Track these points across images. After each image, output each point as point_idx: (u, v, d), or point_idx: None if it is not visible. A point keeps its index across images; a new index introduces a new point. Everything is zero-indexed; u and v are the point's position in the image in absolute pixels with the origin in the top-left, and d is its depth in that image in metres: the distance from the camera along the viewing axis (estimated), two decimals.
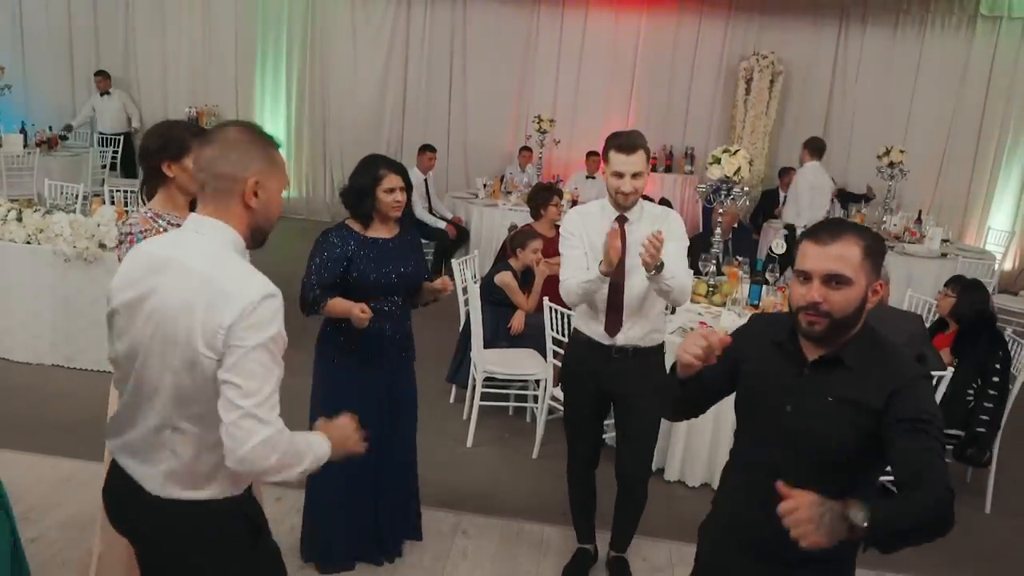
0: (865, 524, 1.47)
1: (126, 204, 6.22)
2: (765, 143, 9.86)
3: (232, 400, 1.60)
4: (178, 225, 2.23)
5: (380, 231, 3.12)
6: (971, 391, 4.25)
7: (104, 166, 9.48)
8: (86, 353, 5.07)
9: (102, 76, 10.00)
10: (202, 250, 1.70)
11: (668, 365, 2.13)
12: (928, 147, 9.80)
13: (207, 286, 1.63)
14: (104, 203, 5.71)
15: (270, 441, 1.62)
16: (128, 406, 1.78)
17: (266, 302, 1.63)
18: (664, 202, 8.10)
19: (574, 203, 8.14)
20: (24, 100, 10.43)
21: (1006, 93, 9.65)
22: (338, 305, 2.98)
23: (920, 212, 8.68)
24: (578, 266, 3.09)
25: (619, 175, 2.98)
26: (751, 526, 1.92)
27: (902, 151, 8.24)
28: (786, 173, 9.20)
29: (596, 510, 3.44)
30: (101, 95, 9.99)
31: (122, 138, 9.90)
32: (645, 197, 5.93)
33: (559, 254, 5.38)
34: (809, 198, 7.53)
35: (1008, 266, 9.65)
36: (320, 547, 3.25)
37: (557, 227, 5.62)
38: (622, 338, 3.09)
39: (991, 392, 4.19)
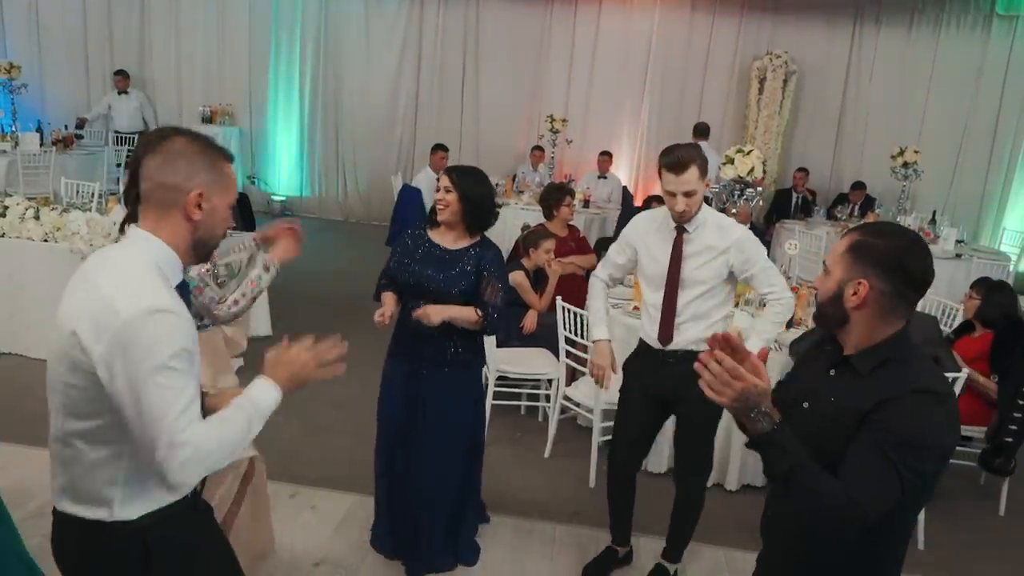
0: (758, 435, 1.63)
1: None
2: (778, 143, 9.83)
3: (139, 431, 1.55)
4: None
5: (442, 237, 3.13)
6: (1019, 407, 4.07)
7: (119, 164, 9.54)
8: None
9: (121, 75, 10.08)
10: (118, 265, 1.62)
11: None
12: (943, 147, 9.74)
13: (101, 303, 1.54)
14: (119, 202, 5.75)
15: (192, 460, 1.54)
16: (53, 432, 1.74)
17: (154, 318, 1.53)
18: None
19: (586, 203, 8.16)
20: (40, 99, 10.53)
21: (1022, 93, 9.59)
22: (384, 298, 3.16)
23: (934, 213, 8.64)
24: (613, 266, 3.33)
25: (671, 194, 2.97)
26: (772, 519, 1.96)
27: (916, 151, 8.20)
28: (800, 172, 9.18)
29: (632, 515, 3.45)
30: (119, 94, 10.06)
31: (136, 137, 9.96)
32: (659, 200, 5.97)
33: (572, 253, 5.46)
34: None
35: (1023, 267, 9.58)
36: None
37: (570, 227, 5.64)
38: (674, 343, 3.13)
39: (1020, 402, 4.12)
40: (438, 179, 3.11)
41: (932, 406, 1.62)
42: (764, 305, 3.24)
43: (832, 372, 1.80)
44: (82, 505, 1.68)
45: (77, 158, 8.88)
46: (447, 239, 3.11)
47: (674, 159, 2.93)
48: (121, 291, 1.54)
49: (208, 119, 10.47)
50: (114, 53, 10.80)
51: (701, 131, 8.67)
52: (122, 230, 1.72)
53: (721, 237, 3.03)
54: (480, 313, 3.00)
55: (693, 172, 2.92)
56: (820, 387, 1.80)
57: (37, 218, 5.11)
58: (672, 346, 3.12)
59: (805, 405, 1.82)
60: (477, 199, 3.06)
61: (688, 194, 2.93)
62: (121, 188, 7.00)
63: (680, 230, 3.07)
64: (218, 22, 10.72)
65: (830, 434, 1.70)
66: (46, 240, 5.07)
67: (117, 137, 9.94)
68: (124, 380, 1.52)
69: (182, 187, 1.64)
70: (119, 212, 5.04)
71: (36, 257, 5.05)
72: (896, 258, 1.66)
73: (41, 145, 8.61)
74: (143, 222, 1.66)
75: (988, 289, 4.50)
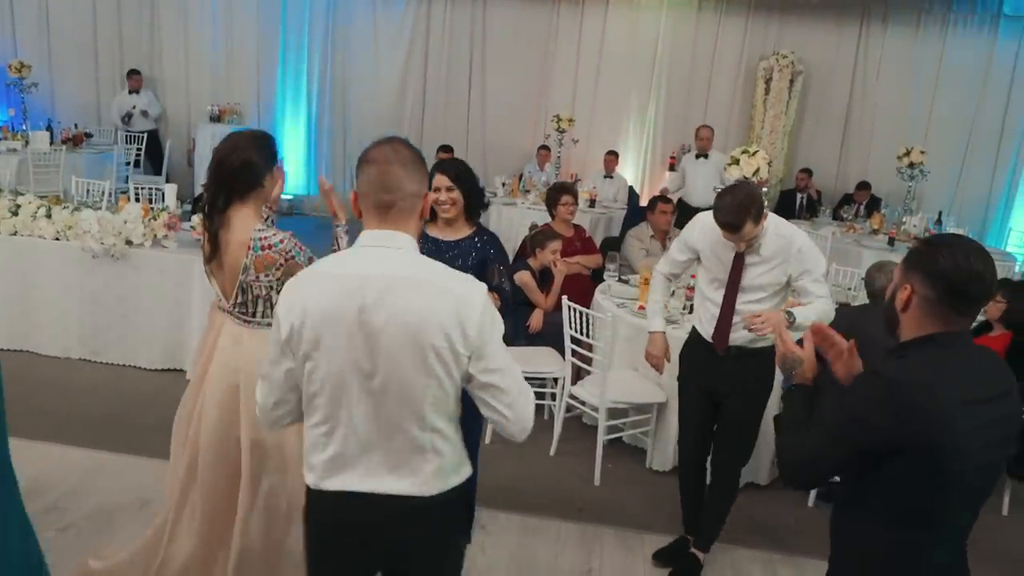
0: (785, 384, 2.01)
1: (151, 201, 6.32)
2: (784, 143, 9.84)
3: (500, 390, 1.80)
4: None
5: (441, 231, 3.17)
6: None
7: (128, 163, 9.61)
8: (112, 348, 5.17)
9: (135, 75, 10.13)
10: (432, 266, 1.81)
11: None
12: (949, 148, 9.74)
13: (449, 297, 1.74)
14: (130, 200, 5.81)
15: (526, 394, 1.86)
16: (363, 431, 1.79)
17: (486, 296, 1.81)
18: (682, 203, 8.10)
19: (592, 202, 8.19)
20: (50, 98, 10.60)
21: None
22: None
23: (940, 213, 8.64)
24: (673, 263, 3.46)
25: (731, 240, 3.05)
26: None
27: (922, 152, 8.21)
28: (804, 172, 9.19)
29: (701, 506, 3.50)
30: (130, 93, 10.12)
31: (146, 135, 10.03)
32: (664, 199, 6.00)
33: (577, 253, 5.49)
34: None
35: None
36: None
37: (576, 227, 5.68)
38: (736, 342, 3.21)
39: None
40: (432, 179, 3.09)
41: (879, 387, 1.71)
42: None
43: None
44: (453, 475, 1.87)
45: (87, 157, 8.94)
46: (447, 232, 3.16)
47: (729, 219, 2.95)
48: (459, 281, 1.79)
49: (216, 118, 10.52)
50: (123, 52, 10.85)
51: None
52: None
53: (783, 247, 3.08)
54: (498, 296, 3.03)
55: (748, 227, 2.96)
56: None
57: (49, 217, 5.16)
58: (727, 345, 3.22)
59: None
60: (478, 190, 3.14)
61: (748, 241, 3.03)
62: (132, 186, 7.06)
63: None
64: (226, 22, 10.76)
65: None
66: (57, 239, 5.12)
67: (127, 136, 10.01)
68: (501, 352, 1.82)
69: (421, 193, 1.85)
70: (129, 211, 5.09)
71: (48, 255, 5.11)
72: (936, 266, 1.72)
73: (51, 144, 8.67)
74: (395, 224, 1.80)
75: (1014, 291, 4.40)
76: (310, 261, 2.62)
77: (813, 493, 4.19)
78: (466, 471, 1.91)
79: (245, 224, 2.59)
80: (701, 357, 3.31)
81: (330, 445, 1.81)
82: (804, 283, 3.12)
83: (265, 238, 2.58)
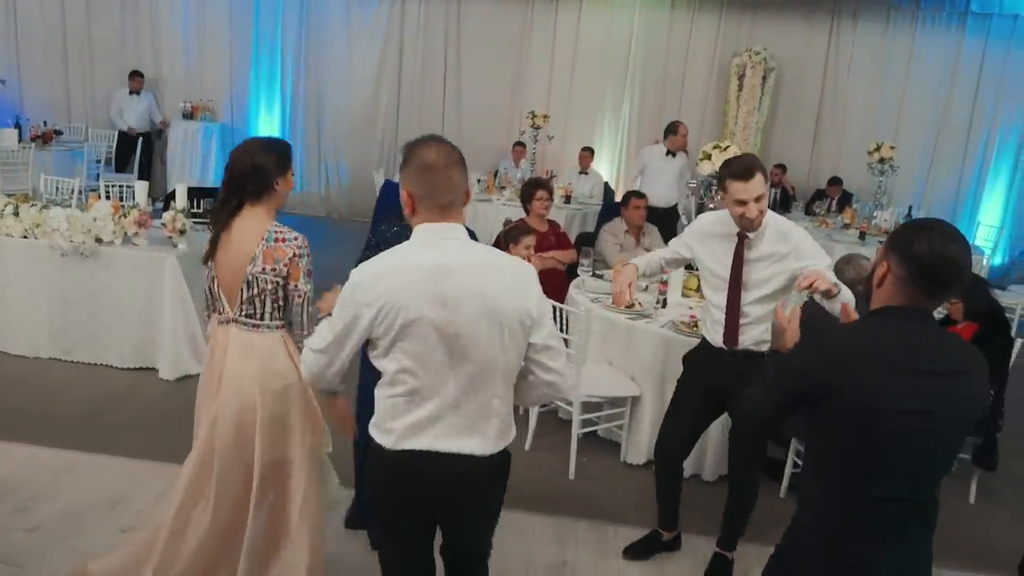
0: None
1: (122, 199, 6.24)
2: (758, 139, 9.93)
3: (556, 351, 2.12)
4: None
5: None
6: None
7: (99, 161, 9.49)
8: (83, 346, 5.11)
9: (136, 76, 10.02)
10: (475, 249, 2.09)
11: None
12: (919, 143, 9.90)
13: (510, 276, 2.04)
14: (100, 198, 5.74)
15: (565, 354, 2.20)
16: (445, 400, 2.02)
17: (535, 273, 2.11)
18: None
19: (567, 198, 8.21)
20: (18, 95, 10.45)
21: (996, 90, 9.75)
22: None
23: (910, 208, 8.76)
24: (672, 252, 3.45)
25: (742, 203, 3.00)
26: None
27: (892, 147, 8.32)
28: (778, 168, 9.27)
29: (679, 501, 3.52)
30: (130, 93, 9.99)
31: (141, 138, 9.91)
32: (638, 194, 6.04)
33: (552, 248, 5.50)
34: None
35: (997, 261, 9.74)
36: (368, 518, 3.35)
37: (550, 222, 5.70)
38: (743, 344, 3.20)
39: (1004, 397, 4.19)
40: None
41: (813, 339, 1.97)
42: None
43: None
44: (508, 434, 2.15)
45: (56, 155, 8.83)
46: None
47: (741, 167, 2.98)
48: (513, 263, 2.09)
49: (189, 115, 10.43)
50: (93, 49, 10.73)
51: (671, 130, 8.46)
52: None
53: (782, 242, 3.08)
54: None
55: (759, 177, 2.98)
56: None
57: (16, 214, 5.09)
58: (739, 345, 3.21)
59: None
60: None
61: (759, 199, 2.99)
62: (103, 184, 6.97)
63: (742, 236, 3.12)
64: (198, 18, 10.67)
65: None
66: (25, 237, 5.05)
67: (121, 136, 9.88)
68: (551, 320, 2.14)
69: (466, 188, 2.10)
70: (99, 208, 5.03)
71: (15, 254, 5.04)
72: (911, 248, 1.79)
73: (20, 141, 8.54)
74: (452, 217, 2.06)
75: (966, 288, 4.49)
76: (308, 274, 2.66)
77: (784, 484, 4.24)
78: (513, 432, 2.17)
79: (258, 222, 2.62)
80: (707, 360, 3.32)
81: (410, 413, 2.04)
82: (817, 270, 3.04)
83: (281, 231, 2.62)
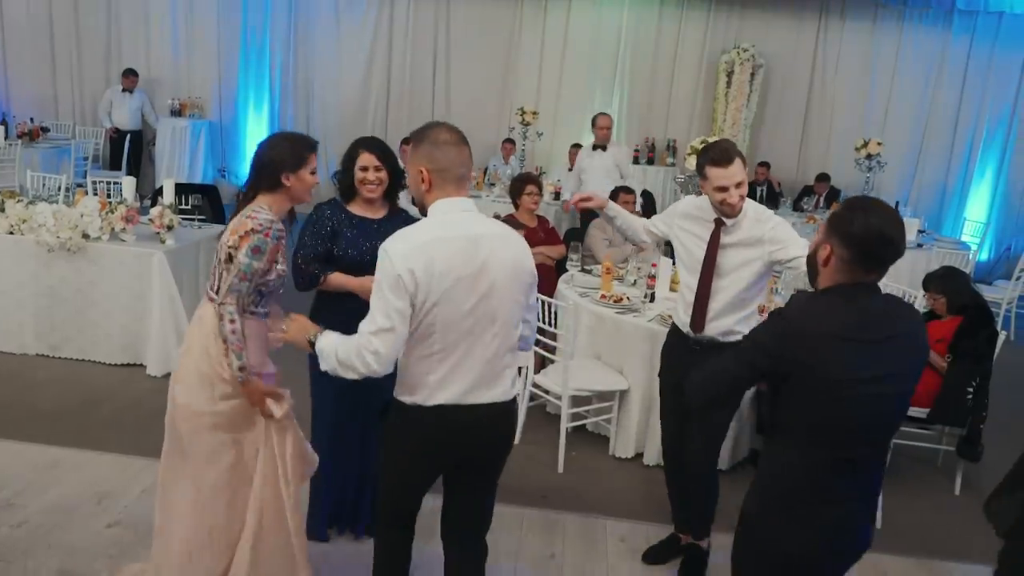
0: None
1: (109, 196, 6.21)
2: (746, 135, 9.96)
3: (535, 309, 2.51)
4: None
5: (364, 210, 3.13)
6: (970, 389, 4.20)
7: (86, 158, 9.44)
8: (70, 343, 5.09)
9: (130, 75, 9.96)
10: (487, 221, 2.36)
11: None
12: (906, 139, 9.96)
13: (520, 243, 2.34)
14: (87, 194, 5.71)
15: None
16: (474, 356, 2.24)
17: None
18: (646, 194, 8.19)
19: (556, 195, 8.22)
20: (4, 92, 10.39)
21: (982, 86, 9.82)
22: (338, 279, 3.04)
23: (897, 203, 8.80)
24: (653, 225, 3.50)
25: (723, 189, 2.99)
26: None
27: (879, 143, 8.37)
28: (763, 166, 9.28)
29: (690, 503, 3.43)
30: (123, 91, 9.93)
31: (129, 135, 9.86)
32: (626, 190, 6.04)
33: (542, 243, 5.52)
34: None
35: (984, 257, 9.81)
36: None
37: (539, 218, 5.70)
38: (705, 330, 3.19)
39: (972, 385, 4.20)
40: (356, 154, 3.07)
41: (774, 319, 2.05)
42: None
43: None
44: (517, 384, 2.44)
45: (43, 151, 8.78)
46: (369, 211, 3.12)
47: (719, 152, 2.98)
48: (513, 232, 2.35)
49: (178, 112, 10.39)
50: (80, 46, 10.67)
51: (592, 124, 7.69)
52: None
53: (758, 227, 3.07)
54: None
55: (738, 163, 2.98)
56: None
57: (2, 210, 5.06)
58: (702, 333, 3.19)
59: None
60: (399, 172, 3.12)
61: (739, 185, 2.99)
62: (90, 181, 6.94)
63: (719, 222, 3.11)
64: (186, 14, 10.63)
65: None
66: (11, 232, 5.02)
67: (114, 134, 9.82)
68: (532, 288, 2.42)
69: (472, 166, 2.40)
70: (86, 204, 5.01)
71: (2, 250, 5.01)
72: (851, 230, 1.93)
73: (6, 138, 8.49)
74: (465, 191, 2.31)
75: (944, 281, 4.48)
76: (255, 251, 2.53)
77: None
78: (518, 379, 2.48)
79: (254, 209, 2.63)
80: (676, 351, 3.32)
81: (440, 369, 2.22)
82: (792, 253, 3.01)
83: (257, 212, 2.59)
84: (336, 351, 2.22)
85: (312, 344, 2.31)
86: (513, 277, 2.27)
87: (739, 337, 3.12)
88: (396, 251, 2.15)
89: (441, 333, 2.20)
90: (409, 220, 3.10)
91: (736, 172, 2.98)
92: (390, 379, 2.32)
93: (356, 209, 3.13)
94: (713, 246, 3.14)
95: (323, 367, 2.28)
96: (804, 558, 2.04)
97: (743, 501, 2.17)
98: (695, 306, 3.20)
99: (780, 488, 2.07)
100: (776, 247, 3.05)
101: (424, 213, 2.32)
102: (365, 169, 3.05)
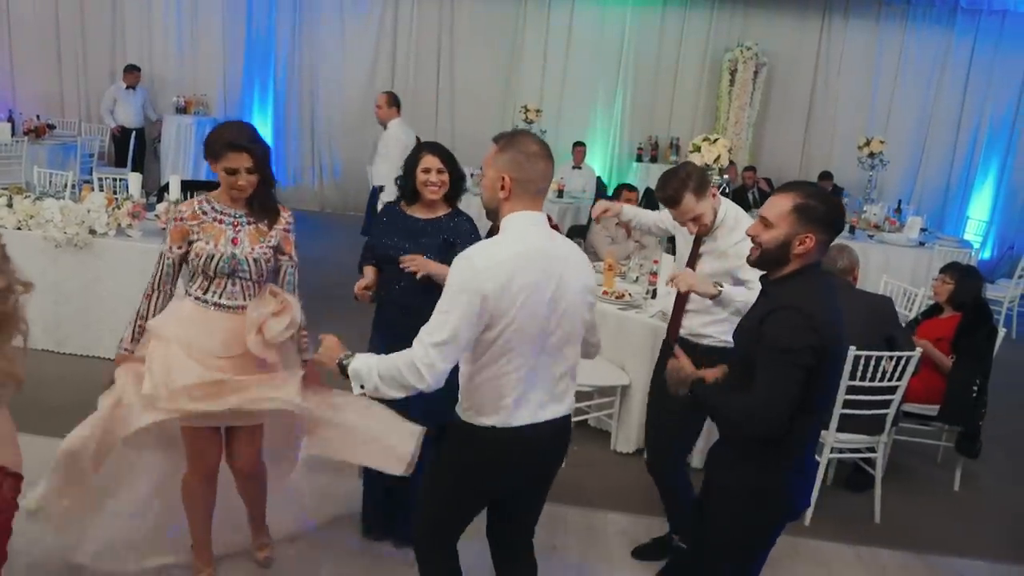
0: (693, 390, 2.34)
1: (115, 192, 6.26)
2: (749, 134, 9.98)
3: (596, 325, 2.44)
4: (227, 213, 2.74)
5: (419, 211, 3.17)
6: (975, 387, 4.23)
7: (92, 155, 9.48)
8: (76, 338, 5.13)
9: (132, 70, 9.97)
10: (557, 236, 2.34)
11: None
12: (909, 138, 9.98)
13: (584, 260, 2.35)
14: (93, 190, 5.76)
15: None
16: (547, 374, 2.24)
17: None
18: (649, 193, 8.21)
19: (560, 193, 8.25)
20: (11, 89, 10.44)
21: (985, 85, 9.83)
22: (365, 271, 3.23)
23: (900, 202, 8.83)
24: (656, 218, 3.61)
25: (680, 222, 3.10)
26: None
27: (882, 141, 8.38)
28: (749, 171, 9.20)
29: (681, 504, 3.38)
30: (126, 88, 9.96)
31: (135, 132, 9.90)
32: (629, 187, 6.08)
33: None
34: (399, 155, 7.29)
35: (986, 255, 9.82)
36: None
37: None
38: (683, 331, 3.22)
39: (976, 384, 4.23)
40: (419, 157, 3.11)
41: (796, 317, 2.10)
42: None
43: (760, 298, 2.35)
44: (574, 402, 2.42)
45: (49, 148, 8.82)
46: (420, 211, 3.17)
47: (664, 198, 3.02)
48: (577, 248, 2.38)
49: (183, 109, 10.43)
50: (86, 43, 10.71)
51: (399, 103, 7.69)
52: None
53: (729, 238, 3.07)
54: None
55: (688, 201, 2.98)
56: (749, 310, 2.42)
57: (10, 206, 5.11)
58: (681, 332, 3.22)
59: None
60: (461, 174, 3.17)
61: (695, 219, 3.03)
62: (96, 177, 6.99)
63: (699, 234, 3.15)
64: (191, 12, 10.67)
65: (739, 340, 2.33)
66: (19, 228, 5.07)
67: (118, 132, 9.86)
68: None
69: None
70: (93, 200, 5.05)
71: (9, 245, 5.00)
72: (830, 215, 2.18)
73: (12, 135, 8.54)
74: (541, 206, 2.27)
75: (962, 273, 4.51)
76: (170, 247, 2.77)
77: None
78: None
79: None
80: (662, 353, 3.37)
81: (518, 389, 2.19)
82: (746, 276, 2.94)
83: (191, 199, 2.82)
84: (376, 370, 2.14)
85: (343, 368, 2.22)
86: (582, 294, 2.27)
87: (708, 341, 3.16)
88: (478, 266, 2.09)
89: (518, 352, 2.15)
90: (460, 220, 3.16)
91: (685, 211, 3.01)
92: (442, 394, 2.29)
93: (414, 211, 3.18)
94: (694, 252, 3.18)
95: (356, 391, 2.21)
96: (775, 492, 2.28)
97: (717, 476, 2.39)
98: (673, 311, 3.26)
99: (780, 455, 2.24)
100: (738, 263, 2.93)
101: (493, 218, 2.30)
102: (428, 171, 3.08)
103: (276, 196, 2.89)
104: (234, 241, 2.73)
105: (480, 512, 2.44)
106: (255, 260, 2.75)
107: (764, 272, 2.28)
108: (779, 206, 2.20)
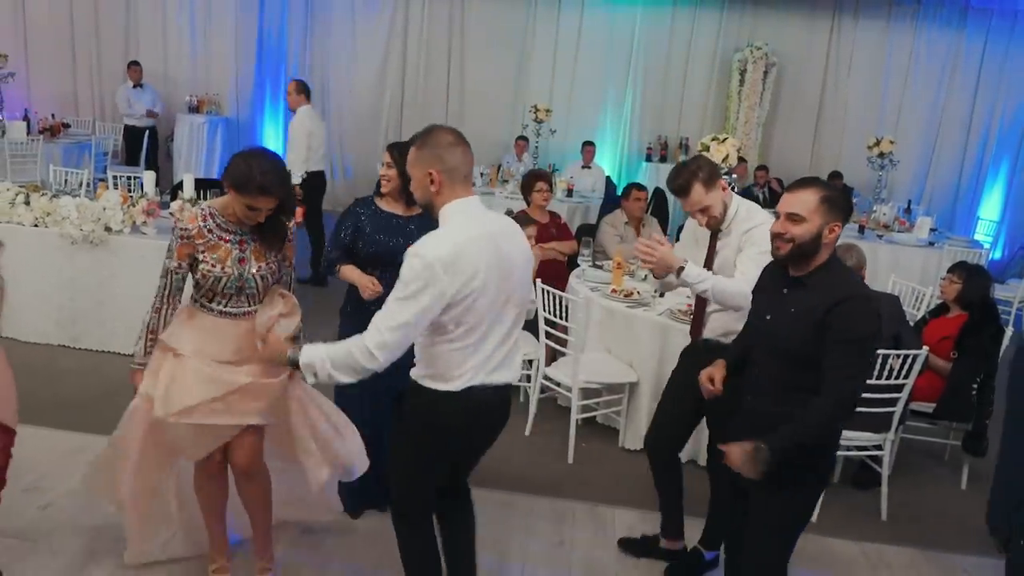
0: (768, 455, 2.25)
1: (130, 190, 6.33)
2: (759, 134, 9.99)
3: (530, 288, 2.55)
4: (232, 230, 2.72)
5: (393, 207, 3.31)
6: (975, 385, 4.24)
7: (106, 153, 9.57)
8: (91, 334, 5.21)
9: (135, 67, 9.98)
10: (495, 215, 2.50)
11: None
12: (919, 138, 9.96)
13: (519, 232, 2.48)
14: (108, 188, 5.83)
15: None
16: (498, 338, 2.37)
17: None
18: (658, 192, 8.24)
19: (569, 192, 8.29)
20: (27, 88, 10.55)
21: (996, 85, 9.81)
22: (349, 272, 3.25)
23: (909, 202, 8.82)
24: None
25: (690, 213, 3.13)
26: (746, 409, 2.55)
27: (892, 142, 8.38)
28: (762, 169, 9.22)
29: (678, 507, 3.42)
30: (133, 86, 10.03)
31: (147, 131, 9.96)
32: (638, 186, 6.10)
33: (553, 239, 5.58)
34: (307, 143, 7.29)
35: (997, 255, 9.80)
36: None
37: (551, 213, 5.77)
38: (705, 331, 3.23)
39: (977, 382, 4.26)
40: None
41: (866, 304, 2.26)
42: None
43: (785, 291, 2.43)
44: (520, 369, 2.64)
45: (64, 147, 8.92)
46: (397, 207, 3.30)
47: (674, 188, 3.05)
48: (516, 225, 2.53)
49: (195, 109, 10.51)
50: (100, 43, 10.82)
51: (308, 91, 7.45)
52: None
53: (742, 226, 3.07)
54: None
55: (697, 191, 3.00)
56: (778, 303, 2.44)
57: (28, 203, 5.18)
58: (703, 335, 3.22)
59: (768, 317, 2.47)
60: None
61: (704, 210, 3.05)
62: (111, 176, 7.07)
63: (714, 232, 3.17)
64: (204, 12, 10.76)
65: (792, 334, 2.35)
66: (36, 225, 5.14)
67: (128, 130, 9.93)
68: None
69: None
70: (108, 197, 5.12)
71: (26, 242, 5.13)
72: (848, 208, 2.35)
73: (28, 134, 8.64)
74: (472, 191, 2.37)
75: (971, 272, 4.52)
76: (177, 264, 2.75)
77: None
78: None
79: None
80: (684, 355, 3.39)
81: (475, 356, 2.33)
82: (742, 255, 3.02)
83: (191, 211, 2.79)
84: (328, 358, 2.23)
85: (293, 363, 2.30)
86: (522, 267, 2.42)
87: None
88: (431, 254, 2.17)
89: (475, 325, 2.29)
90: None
91: (694, 201, 3.03)
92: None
93: (383, 204, 3.33)
94: (710, 253, 3.19)
95: (310, 380, 2.30)
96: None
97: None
98: (694, 310, 3.29)
99: (819, 419, 2.33)
100: (750, 250, 3.01)
101: (432, 215, 2.37)
102: (383, 165, 3.27)
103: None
104: (241, 261, 2.71)
105: (445, 473, 2.59)
106: (262, 277, 2.75)
107: (787, 266, 2.41)
108: (806, 200, 2.31)
